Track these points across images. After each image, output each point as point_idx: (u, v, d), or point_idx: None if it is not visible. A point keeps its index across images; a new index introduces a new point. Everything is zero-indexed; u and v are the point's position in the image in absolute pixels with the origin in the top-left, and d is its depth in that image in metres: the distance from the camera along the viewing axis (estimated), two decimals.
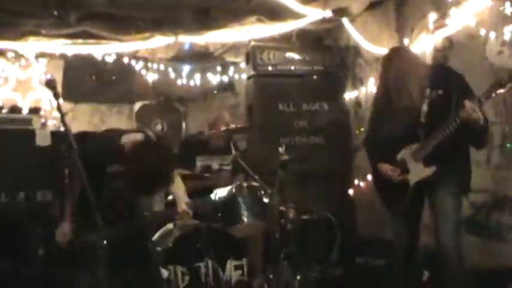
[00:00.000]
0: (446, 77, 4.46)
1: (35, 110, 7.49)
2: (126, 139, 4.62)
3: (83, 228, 4.15)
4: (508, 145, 5.05)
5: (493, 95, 4.04)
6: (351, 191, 7.20)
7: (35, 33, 6.52)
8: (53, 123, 7.30)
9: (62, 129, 3.97)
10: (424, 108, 4.39)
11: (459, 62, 5.53)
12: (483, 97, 4.05)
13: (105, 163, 4.51)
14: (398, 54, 4.72)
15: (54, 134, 6.35)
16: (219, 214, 5.57)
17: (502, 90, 4.03)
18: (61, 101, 4.23)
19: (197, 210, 5.40)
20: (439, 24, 5.75)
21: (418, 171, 4.41)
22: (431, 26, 5.80)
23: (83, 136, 5.28)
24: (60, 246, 4.22)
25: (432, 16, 5.77)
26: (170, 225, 5.47)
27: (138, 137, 4.67)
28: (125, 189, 4.52)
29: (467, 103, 4.03)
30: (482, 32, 5.12)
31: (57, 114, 4.12)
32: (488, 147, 5.15)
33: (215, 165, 6.01)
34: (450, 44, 5.74)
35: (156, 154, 4.43)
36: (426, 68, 4.58)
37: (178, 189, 5.10)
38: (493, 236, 5.21)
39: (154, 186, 4.55)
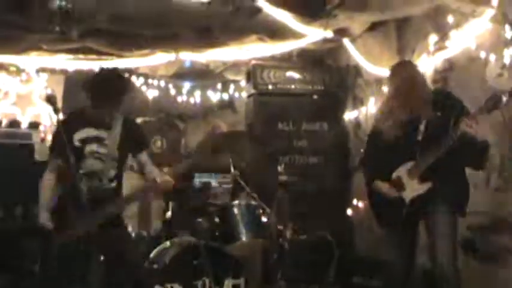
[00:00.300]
0: (446, 100, 4.49)
1: (34, 125, 7.52)
2: None
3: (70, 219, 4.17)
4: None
5: (488, 111, 4.08)
6: (349, 211, 7.20)
7: (37, 48, 6.54)
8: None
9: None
10: (422, 127, 4.43)
11: (459, 84, 5.55)
12: (478, 113, 4.10)
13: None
14: (407, 67, 4.77)
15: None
16: (217, 232, 5.57)
17: (497, 106, 4.07)
18: (61, 116, 4.25)
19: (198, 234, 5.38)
20: (440, 46, 5.78)
21: (414, 188, 4.42)
22: (431, 48, 5.83)
23: None
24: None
25: (433, 38, 5.80)
26: (167, 243, 5.47)
27: None
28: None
29: (464, 120, 4.08)
30: (482, 54, 5.14)
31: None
32: (487, 169, 5.16)
33: (214, 183, 6.00)
34: (450, 66, 5.76)
35: None
36: (428, 88, 4.61)
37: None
38: (491, 259, 5.19)
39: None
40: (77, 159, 4.29)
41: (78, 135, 4.42)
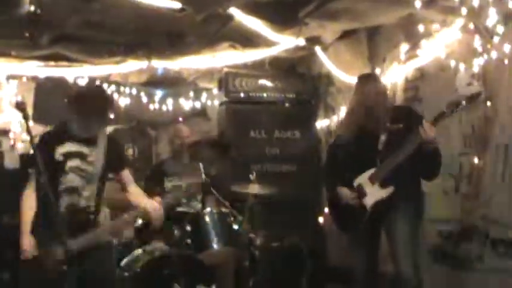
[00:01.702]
0: (408, 115, 4.62)
1: (4, 132, 7.42)
2: None
3: (46, 240, 4.08)
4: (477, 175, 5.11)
5: (447, 116, 4.18)
6: (321, 219, 7.21)
7: (6, 54, 6.46)
8: (22, 146, 7.21)
9: (31, 151, 3.91)
10: (383, 137, 4.51)
11: (430, 92, 5.62)
12: (438, 118, 4.19)
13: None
14: (372, 79, 4.83)
15: (23, 157, 6.28)
16: (189, 240, 5.54)
17: (456, 110, 4.17)
18: (31, 123, 4.19)
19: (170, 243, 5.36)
20: (411, 55, 5.84)
21: (375, 193, 4.47)
22: (402, 56, 5.88)
23: None
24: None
25: (404, 47, 5.85)
26: (139, 251, 5.43)
27: None
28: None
29: (425, 124, 4.16)
30: (453, 63, 5.20)
31: (27, 137, 4.03)
32: (457, 177, 5.22)
33: (185, 185, 5.97)
34: (421, 74, 5.82)
35: None
36: (390, 102, 4.68)
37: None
38: (460, 265, 5.24)
39: None
40: (58, 175, 4.24)
41: (61, 149, 4.35)
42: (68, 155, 4.34)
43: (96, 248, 4.31)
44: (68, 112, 4.40)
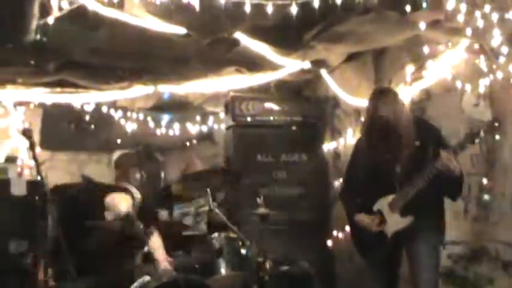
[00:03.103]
0: (423, 129, 4.46)
1: (11, 159, 7.43)
2: (109, 203, 4.64)
3: (57, 278, 4.06)
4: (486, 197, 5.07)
5: (468, 145, 4.11)
6: (329, 242, 7.16)
7: (13, 81, 6.49)
8: (29, 173, 7.22)
9: (39, 178, 3.92)
10: (401, 159, 4.40)
11: (436, 114, 5.60)
12: (458, 147, 4.14)
13: (84, 218, 4.46)
14: (386, 94, 4.60)
15: (30, 184, 6.28)
16: (197, 265, 5.51)
17: (476, 141, 4.11)
18: (38, 149, 4.20)
19: (178, 268, 5.34)
20: (416, 76, 5.83)
21: (395, 222, 4.40)
22: (408, 78, 5.88)
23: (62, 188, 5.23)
24: None
25: (410, 68, 5.85)
26: (147, 277, 5.40)
27: (121, 203, 4.67)
28: (104, 245, 4.47)
29: (443, 153, 4.09)
30: (459, 84, 5.19)
31: (34, 164, 4.04)
32: (466, 198, 5.18)
33: (192, 211, 5.98)
34: (427, 96, 5.81)
35: (135, 230, 4.50)
36: (408, 117, 4.53)
37: (156, 246, 4.99)
38: None
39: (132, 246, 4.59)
40: None
41: None
42: None
43: None
44: None
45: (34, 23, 4.61)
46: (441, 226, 4.49)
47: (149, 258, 5.22)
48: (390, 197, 4.42)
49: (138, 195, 4.76)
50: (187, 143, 8.47)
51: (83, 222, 4.48)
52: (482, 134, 4.12)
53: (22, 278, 4.20)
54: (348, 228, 5.01)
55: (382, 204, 4.47)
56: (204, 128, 8.44)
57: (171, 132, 8.28)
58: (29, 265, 4.24)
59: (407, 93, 5.93)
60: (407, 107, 5.04)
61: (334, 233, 7.00)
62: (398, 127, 4.33)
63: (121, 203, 4.68)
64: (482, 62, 4.95)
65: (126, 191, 4.75)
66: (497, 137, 4.88)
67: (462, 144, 4.14)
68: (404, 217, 4.36)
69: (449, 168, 4.08)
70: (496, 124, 4.34)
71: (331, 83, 7.04)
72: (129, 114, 7.90)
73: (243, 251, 5.60)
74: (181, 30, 5.18)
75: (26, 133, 3.97)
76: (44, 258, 4.20)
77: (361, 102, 6.27)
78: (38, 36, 4.90)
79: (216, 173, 6.50)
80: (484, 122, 4.36)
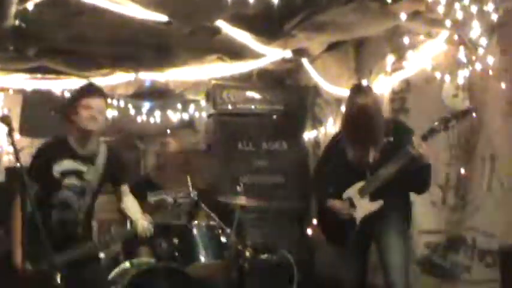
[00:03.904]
0: (397, 128, 4.56)
1: None
2: None
3: (33, 256, 4.04)
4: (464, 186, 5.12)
5: (439, 130, 4.19)
6: (309, 230, 7.21)
7: None
8: (8, 159, 7.17)
9: (17, 165, 3.89)
10: (373, 150, 4.47)
11: (416, 104, 5.65)
12: (428, 133, 4.20)
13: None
14: (362, 90, 4.67)
15: (9, 170, 6.24)
16: (176, 253, 5.53)
17: (446, 128, 4.17)
18: (18, 136, 4.17)
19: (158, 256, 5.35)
20: (397, 67, 5.88)
21: (365, 207, 4.46)
22: (389, 68, 5.92)
23: None
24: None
25: (390, 58, 5.89)
26: (127, 264, 5.41)
27: None
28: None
29: (414, 139, 4.16)
30: (438, 75, 5.24)
31: (12, 150, 4.01)
32: (444, 188, 5.24)
33: (169, 200, 5.94)
34: (407, 86, 5.85)
35: None
36: (381, 114, 4.62)
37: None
38: (448, 276, 5.25)
39: None
40: (52, 190, 4.24)
41: (58, 167, 4.32)
42: (65, 173, 4.32)
43: (84, 261, 4.31)
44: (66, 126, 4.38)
45: (13, 9, 4.57)
46: (407, 213, 4.58)
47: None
48: (360, 184, 4.49)
49: None
50: (168, 131, 8.44)
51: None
52: (454, 121, 4.17)
53: (6, 270, 4.15)
54: (317, 216, 5.05)
55: (352, 191, 4.53)
56: (185, 116, 8.42)
57: (151, 120, 8.25)
58: (6, 251, 4.18)
59: (387, 83, 5.97)
60: (381, 101, 5.16)
61: (314, 221, 7.04)
62: (374, 120, 4.42)
63: None
64: (461, 53, 4.99)
65: None
66: (474, 127, 4.94)
67: (433, 129, 4.21)
68: (373, 202, 4.42)
69: (418, 153, 4.14)
70: (471, 112, 4.38)
71: (313, 72, 7.06)
72: (109, 101, 7.85)
73: (223, 239, 5.63)
74: (163, 18, 5.16)
75: (5, 119, 3.92)
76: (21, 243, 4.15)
77: (342, 91, 6.30)
78: (17, 22, 4.85)
79: (194, 155, 6.48)
80: (457, 111, 4.40)
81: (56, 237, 4.03)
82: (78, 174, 4.37)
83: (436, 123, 4.21)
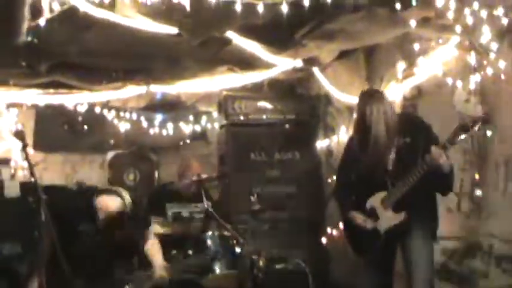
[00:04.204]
0: (413, 126, 4.51)
1: (4, 161, 7.42)
2: (100, 203, 4.63)
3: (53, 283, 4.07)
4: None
5: (457, 140, 4.14)
6: (323, 240, 7.18)
7: (5, 82, 6.48)
8: (22, 174, 7.21)
9: (32, 180, 3.92)
10: (392, 155, 4.43)
11: (428, 110, 5.62)
12: (447, 142, 4.14)
13: (76, 221, 4.47)
14: (372, 95, 4.64)
15: (24, 185, 6.27)
16: (192, 265, 5.52)
17: (464, 136, 4.14)
18: (32, 151, 4.20)
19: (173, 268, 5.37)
20: (408, 73, 5.86)
21: (388, 218, 4.41)
22: (400, 75, 5.90)
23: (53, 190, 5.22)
24: None
25: (401, 65, 5.87)
26: (141, 276, 5.40)
27: (112, 204, 4.65)
28: (96, 250, 4.48)
29: (433, 149, 4.11)
30: (450, 81, 5.21)
31: (27, 165, 4.04)
32: (459, 194, 5.20)
33: (186, 213, 5.96)
34: (419, 92, 5.83)
35: (129, 226, 4.51)
36: (396, 116, 4.58)
37: (154, 252, 5.02)
38: (465, 283, 5.21)
39: (125, 251, 4.64)
40: None
41: None
42: None
43: None
44: None
45: (25, 25, 4.61)
46: (434, 221, 4.51)
47: (144, 263, 5.23)
48: (382, 194, 4.44)
49: (128, 199, 4.75)
50: (181, 143, 8.46)
51: (72, 225, 4.49)
52: (471, 128, 4.14)
53: (13, 281, 4.18)
54: (341, 226, 5.02)
55: (375, 201, 4.49)
56: (198, 128, 8.44)
57: (164, 132, 8.27)
58: (23, 269, 4.21)
59: (398, 90, 5.95)
60: (394, 105, 5.13)
61: (328, 230, 7.03)
62: (387, 126, 4.37)
63: (111, 203, 4.67)
64: (472, 58, 4.97)
65: (116, 193, 4.75)
66: (488, 132, 4.91)
67: (451, 139, 4.14)
68: (397, 213, 4.38)
69: (439, 164, 4.10)
70: (486, 118, 4.36)
71: (323, 81, 7.05)
72: (122, 114, 7.89)
73: (238, 250, 5.62)
74: (173, 30, 5.18)
75: (19, 135, 3.97)
76: (39, 263, 4.18)
77: (353, 99, 6.28)
78: (29, 38, 4.89)
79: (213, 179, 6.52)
80: (474, 117, 4.37)
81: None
82: None
83: (454, 132, 4.15)
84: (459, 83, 5.14)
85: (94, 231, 4.56)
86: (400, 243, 4.50)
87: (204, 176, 6.30)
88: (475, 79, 4.98)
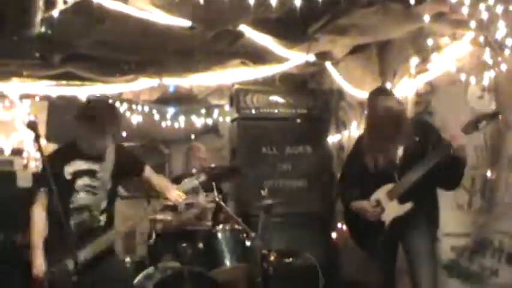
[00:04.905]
0: (424, 128, 4.56)
1: (17, 152, 7.46)
2: None
3: (58, 256, 4.12)
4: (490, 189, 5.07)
5: (470, 131, 4.15)
6: (334, 234, 7.18)
7: (19, 74, 6.51)
8: (35, 165, 7.25)
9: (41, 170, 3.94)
10: (400, 152, 4.46)
11: (441, 106, 5.60)
12: (470, 126, 4.20)
13: None
14: (382, 93, 4.73)
15: (36, 176, 6.29)
16: (201, 257, 5.54)
17: (480, 126, 4.17)
18: (44, 142, 4.21)
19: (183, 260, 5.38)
20: (421, 69, 5.83)
21: (393, 209, 4.43)
22: (413, 71, 5.87)
23: None
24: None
25: (414, 61, 5.84)
26: (151, 268, 5.43)
27: None
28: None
29: (446, 140, 4.16)
30: (463, 77, 5.19)
31: (39, 156, 4.06)
32: (470, 191, 5.19)
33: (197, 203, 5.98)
34: (432, 88, 5.80)
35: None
36: (406, 115, 4.62)
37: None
38: (475, 280, 5.20)
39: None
40: (67, 194, 4.28)
41: (69, 168, 4.39)
42: (77, 174, 4.37)
43: (105, 259, 4.35)
44: (77, 129, 4.43)
45: (39, 16, 4.62)
46: (435, 217, 4.54)
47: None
48: (389, 186, 4.46)
49: None
50: (193, 136, 8.47)
51: None
52: (484, 122, 4.15)
53: (28, 270, 4.22)
54: (344, 220, 5.03)
55: (380, 193, 4.51)
56: (209, 121, 8.45)
57: (176, 125, 8.28)
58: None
59: (411, 85, 5.93)
60: (404, 103, 5.17)
61: (339, 225, 7.02)
62: (398, 121, 4.43)
63: None
64: (487, 55, 4.94)
65: None
66: (501, 129, 4.89)
67: (465, 131, 4.18)
68: (402, 204, 4.39)
69: (461, 147, 4.16)
70: (499, 114, 4.34)
71: (336, 76, 7.04)
72: (134, 107, 7.91)
73: (248, 243, 5.63)
74: (186, 23, 5.18)
75: (31, 126, 3.98)
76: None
77: (366, 94, 6.25)
78: (43, 29, 4.91)
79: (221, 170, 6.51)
80: (484, 113, 4.36)
81: (78, 241, 4.09)
82: (91, 173, 4.45)
83: (465, 126, 4.19)
84: (473, 79, 5.11)
85: None
86: (402, 236, 4.52)
87: (212, 165, 6.32)
88: (489, 75, 4.96)
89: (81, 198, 4.39)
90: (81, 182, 4.39)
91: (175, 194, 4.69)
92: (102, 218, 4.49)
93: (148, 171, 4.79)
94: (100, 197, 4.46)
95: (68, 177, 4.36)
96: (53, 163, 4.11)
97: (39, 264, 4.15)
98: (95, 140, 4.40)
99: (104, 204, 4.49)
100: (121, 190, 4.90)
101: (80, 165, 4.41)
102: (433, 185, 4.41)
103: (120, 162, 4.57)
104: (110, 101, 7.14)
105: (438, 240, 4.70)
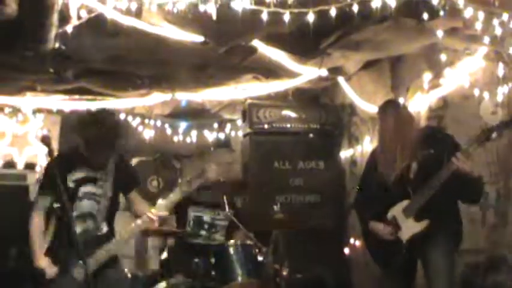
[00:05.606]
0: (437, 138, 4.52)
1: (30, 166, 7.50)
2: None
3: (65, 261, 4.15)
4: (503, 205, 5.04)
5: (480, 143, 4.12)
6: (346, 250, 7.15)
7: (32, 88, 6.56)
8: None
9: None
10: (414, 166, 4.43)
11: (454, 121, 5.57)
12: (469, 147, 4.13)
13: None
14: (393, 107, 4.73)
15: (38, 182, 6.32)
16: (213, 272, 5.53)
17: (487, 141, 4.14)
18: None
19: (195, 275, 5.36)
20: (434, 84, 5.81)
21: (410, 227, 4.39)
22: (426, 86, 5.86)
23: None
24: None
25: (427, 76, 5.82)
26: (163, 284, 5.42)
27: None
28: None
29: (457, 155, 4.09)
30: (476, 92, 5.16)
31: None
32: (483, 207, 5.15)
33: (207, 218, 5.97)
34: (445, 103, 5.78)
35: None
36: (418, 127, 4.60)
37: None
38: None
39: None
40: (70, 201, 4.28)
41: (73, 176, 4.41)
42: (80, 181, 4.40)
43: (107, 268, 4.36)
44: (81, 136, 4.45)
45: (53, 32, 4.65)
46: (457, 231, 4.48)
47: None
48: (404, 203, 4.42)
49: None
50: (205, 151, 8.48)
51: None
52: (494, 134, 4.11)
53: (39, 283, 4.24)
54: (362, 237, 4.99)
55: (396, 210, 4.46)
56: (222, 135, 8.47)
57: (188, 140, 8.30)
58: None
59: (424, 101, 5.91)
60: (416, 116, 5.17)
61: (351, 240, 6.99)
62: (406, 136, 4.42)
63: None
64: (500, 70, 4.93)
65: None
66: None
67: (472, 144, 4.14)
68: (419, 222, 4.35)
69: (464, 169, 4.07)
70: (504, 124, 4.30)
71: (348, 91, 7.04)
72: (146, 121, 7.94)
73: (260, 258, 5.62)
74: (199, 38, 5.20)
75: (45, 140, 4.00)
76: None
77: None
78: (57, 45, 4.94)
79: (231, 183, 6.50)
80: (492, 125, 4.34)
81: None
82: (94, 181, 4.49)
83: (475, 137, 4.15)
84: (486, 95, 5.09)
85: None
86: (421, 253, 4.46)
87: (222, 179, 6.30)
88: (502, 91, 4.94)
89: (85, 205, 4.42)
90: (84, 189, 4.41)
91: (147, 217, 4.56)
92: (104, 227, 4.51)
93: (133, 195, 4.80)
94: (103, 205, 4.47)
95: (71, 184, 4.38)
96: (56, 170, 4.11)
97: (47, 265, 4.18)
98: (101, 149, 4.42)
99: (106, 213, 4.51)
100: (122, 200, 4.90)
101: (83, 172, 4.44)
102: (453, 200, 4.36)
103: (119, 174, 4.59)
104: (122, 115, 7.19)
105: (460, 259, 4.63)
